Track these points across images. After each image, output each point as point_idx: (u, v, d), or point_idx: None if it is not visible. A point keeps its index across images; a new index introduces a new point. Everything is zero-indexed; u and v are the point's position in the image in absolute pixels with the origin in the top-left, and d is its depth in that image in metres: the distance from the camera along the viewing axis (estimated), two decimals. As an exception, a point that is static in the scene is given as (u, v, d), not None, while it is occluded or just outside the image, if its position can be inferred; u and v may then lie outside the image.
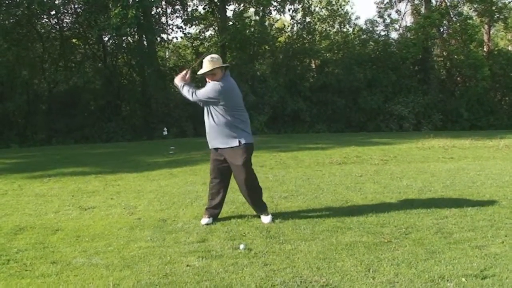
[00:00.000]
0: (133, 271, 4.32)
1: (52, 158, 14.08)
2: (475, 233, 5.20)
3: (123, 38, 23.54)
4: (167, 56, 18.31)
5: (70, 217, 6.50)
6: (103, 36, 24.03)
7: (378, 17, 30.28)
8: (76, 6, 24.53)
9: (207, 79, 5.91)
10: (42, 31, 24.56)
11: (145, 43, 24.40)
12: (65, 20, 25.04)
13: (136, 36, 24.25)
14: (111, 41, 24.79)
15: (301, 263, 4.38)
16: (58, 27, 24.74)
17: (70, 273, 4.32)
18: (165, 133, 19.56)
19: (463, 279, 3.93)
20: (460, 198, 7.10)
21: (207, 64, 5.77)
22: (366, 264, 4.32)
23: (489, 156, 12.39)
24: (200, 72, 5.88)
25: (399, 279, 3.98)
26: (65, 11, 24.43)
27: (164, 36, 25.65)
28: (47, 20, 24.79)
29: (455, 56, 28.20)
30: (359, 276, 4.06)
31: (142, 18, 21.83)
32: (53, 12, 23.50)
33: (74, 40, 25.34)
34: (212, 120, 5.88)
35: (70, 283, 4.10)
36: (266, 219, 5.88)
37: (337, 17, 29.93)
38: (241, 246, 4.88)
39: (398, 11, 31.31)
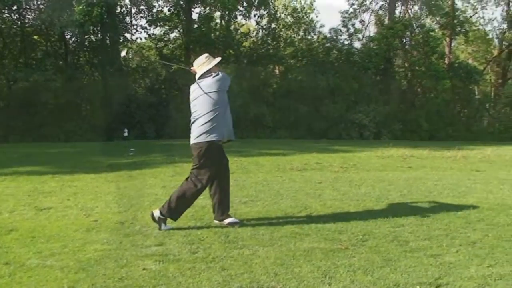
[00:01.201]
0: (88, 273, 4.24)
1: (9, 157, 13.78)
2: (431, 242, 5.28)
3: (86, 36, 23.24)
4: (123, 55, 18.14)
5: (25, 217, 6.37)
6: (66, 34, 23.67)
7: (342, 26, 30.64)
8: (39, 2, 24.10)
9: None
10: (3, 26, 24.00)
11: (108, 42, 24.13)
12: (27, 16, 24.57)
13: (99, 35, 23.97)
14: (73, 38, 24.44)
15: (258, 269, 4.37)
16: (19, 22, 24.24)
17: (23, 274, 4.22)
18: (126, 134, 19.34)
19: (418, 287, 3.99)
20: (416, 207, 7.23)
21: (209, 61, 6.00)
22: (323, 270, 4.34)
23: (447, 166, 12.66)
24: (206, 68, 5.95)
25: (355, 286, 4.01)
26: (28, 6, 23.96)
27: (128, 35, 25.48)
28: (8, 15, 24.20)
29: (417, 68, 28.82)
30: (316, 282, 4.07)
31: (106, 16, 21.61)
32: (15, 8, 23.01)
33: (35, 37, 24.89)
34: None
35: (24, 284, 4.00)
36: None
37: (302, 25, 30.24)
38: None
39: (362, 21, 31.84)
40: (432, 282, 4.09)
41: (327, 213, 6.70)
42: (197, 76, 5.98)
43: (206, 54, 6.11)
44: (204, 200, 6.70)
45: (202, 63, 5.99)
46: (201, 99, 5.81)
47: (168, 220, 5.75)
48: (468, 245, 5.19)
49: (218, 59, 6.10)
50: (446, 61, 30.85)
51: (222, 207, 5.97)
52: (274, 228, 5.79)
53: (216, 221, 5.97)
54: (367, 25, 32.01)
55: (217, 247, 5.00)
